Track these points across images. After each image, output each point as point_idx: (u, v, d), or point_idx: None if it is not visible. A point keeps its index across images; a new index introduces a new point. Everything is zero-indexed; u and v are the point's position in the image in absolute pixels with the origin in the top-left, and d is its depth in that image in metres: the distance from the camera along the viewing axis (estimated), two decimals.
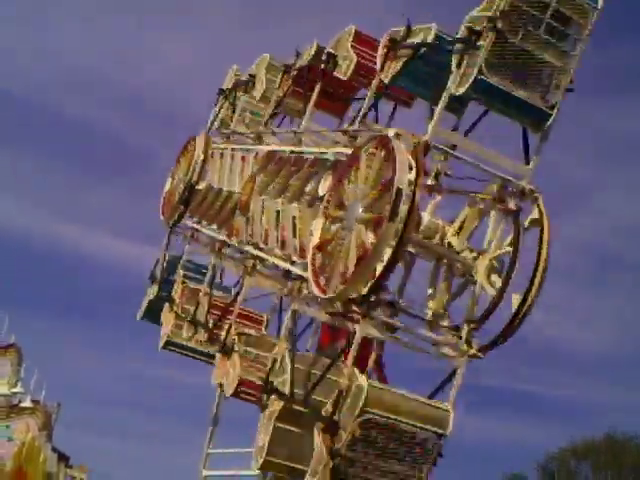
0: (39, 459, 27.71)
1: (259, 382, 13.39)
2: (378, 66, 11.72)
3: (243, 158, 15.94)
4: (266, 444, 11.84)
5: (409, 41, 11.20)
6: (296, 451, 11.40)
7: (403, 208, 9.92)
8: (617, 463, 41.83)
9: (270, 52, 18.44)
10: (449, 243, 11.36)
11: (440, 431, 10.11)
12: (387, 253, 10.15)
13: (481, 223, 11.48)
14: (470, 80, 9.80)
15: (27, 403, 29.23)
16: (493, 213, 11.35)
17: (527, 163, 10.82)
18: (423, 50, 10.83)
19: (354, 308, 10.39)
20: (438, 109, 10.43)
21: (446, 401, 10.43)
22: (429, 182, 10.98)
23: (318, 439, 10.63)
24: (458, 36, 10.16)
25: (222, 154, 17.25)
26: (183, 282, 18.53)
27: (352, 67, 13.04)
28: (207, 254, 17.67)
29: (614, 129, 77.73)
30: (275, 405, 11.90)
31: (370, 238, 10.01)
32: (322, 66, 13.72)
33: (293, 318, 13.50)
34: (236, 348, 15.51)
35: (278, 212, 13.61)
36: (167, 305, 18.47)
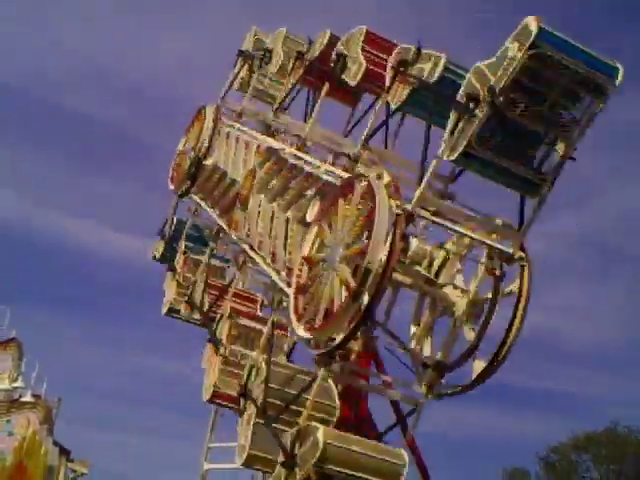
0: (40, 453, 27.72)
1: (234, 393, 14.06)
2: (387, 83, 11.49)
3: (247, 145, 15.89)
4: (248, 440, 12.57)
5: (418, 66, 10.86)
6: (276, 445, 11.65)
7: (370, 286, 9.87)
8: (618, 456, 41.86)
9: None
10: (436, 272, 11.41)
11: None
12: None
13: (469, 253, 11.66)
14: (459, 150, 9.58)
15: (28, 398, 29.21)
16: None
17: (520, 227, 10.55)
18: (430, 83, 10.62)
19: (318, 354, 10.57)
20: (426, 176, 10.13)
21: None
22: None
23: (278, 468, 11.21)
24: (459, 96, 9.67)
25: (228, 134, 17.18)
26: (185, 252, 19.12)
27: (361, 74, 12.78)
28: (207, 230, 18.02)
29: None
30: (252, 409, 12.59)
31: (351, 280, 10.17)
32: (332, 63, 13.55)
33: (272, 328, 14.03)
34: (221, 351, 15.78)
35: (273, 219, 13.79)
36: (169, 274, 19.04)
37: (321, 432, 10.42)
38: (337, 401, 11.88)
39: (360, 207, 10.51)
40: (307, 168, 13.02)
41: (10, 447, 28.49)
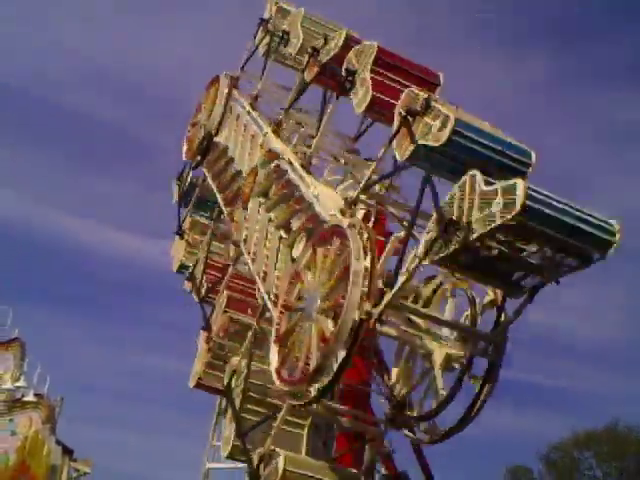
0: (43, 452, 27.78)
1: (217, 386, 15.23)
2: (393, 126, 11.03)
3: (253, 137, 15.86)
4: (232, 434, 13.51)
5: (426, 120, 10.41)
6: (259, 436, 12.60)
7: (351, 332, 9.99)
8: (620, 454, 41.88)
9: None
10: (421, 312, 11.54)
11: None
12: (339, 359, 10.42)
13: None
14: (435, 259, 9.59)
15: (30, 397, 29.29)
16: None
17: (496, 326, 10.64)
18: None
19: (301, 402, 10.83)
20: (397, 285, 10.11)
21: None
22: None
23: None
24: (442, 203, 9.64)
25: (239, 116, 17.13)
26: (191, 216, 19.46)
27: (366, 102, 12.45)
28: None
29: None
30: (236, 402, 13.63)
31: (330, 328, 10.29)
32: (343, 72, 13.28)
33: (254, 335, 14.52)
34: (210, 345, 16.22)
35: (267, 234, 13.96)
36: (177, 237, 19.47)
37: (281, 459, 11.25)
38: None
39: (337, 257, 10.72)
40: (303, 190, 13.05)
41: (13, 446, 28.58)
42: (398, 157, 10.83)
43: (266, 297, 13.19)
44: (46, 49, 78.05)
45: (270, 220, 13.69)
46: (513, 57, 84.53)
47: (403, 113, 10.78)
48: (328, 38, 14.40)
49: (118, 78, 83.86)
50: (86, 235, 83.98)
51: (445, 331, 11.20)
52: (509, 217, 8.70)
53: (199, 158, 18.47)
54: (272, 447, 11.82)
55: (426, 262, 9.69)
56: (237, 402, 13.90)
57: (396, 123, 10.93)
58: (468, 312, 11.11)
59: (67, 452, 28.09)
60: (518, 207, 8.70)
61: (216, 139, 17.84)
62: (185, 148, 19.17)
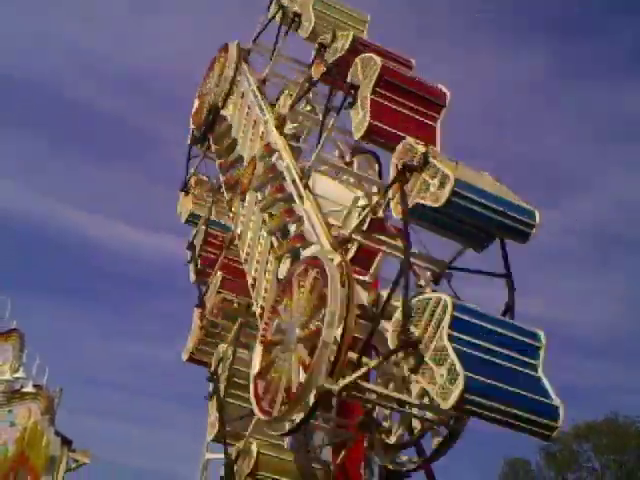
0: (42, 443, 27.78)
1: (207, 360, 15.73)
2: (390, 176, 10.97)
3: (255, 123, 15.77)
4: (217, 419, 14.18)
5: (424, 177, 10.28)
6: (242, 420, 13.13)
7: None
8: (619, 446, 41.90)
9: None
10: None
11: None
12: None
13: None
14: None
15: (29, 388, 29.26)
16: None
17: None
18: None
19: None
20: (359, 372, 10.04)
21: None
22: None
23: None
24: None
25: (244, 95, 16.98)
26: (195, 174, 19.74)
27: (362, 130, 12.11)
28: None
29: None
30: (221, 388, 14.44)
31: (307, 359, 10.35)
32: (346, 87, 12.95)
33: (239, 328, 14.98)
34: (204, 323, 16.65)
35: (259, 238, 14.04)
36: (183, 193, 19.62)
37: (255, 445, 12.19)
38: None
39: (313, 288, 10.75)
40: (295, 201, 13.04)
41: (12, 437, 28.60)
42: (394, 213, 10.70)
43: (254, 305, 13.46)
44: (47, 40, 77.93)
45: (264, 222, 13.74)
46: (513, 54, 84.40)
47: (400, 167, 10.59)
48: (336, 34, 14.13)
49: (118, 69, 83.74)
50: (88, 227, 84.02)
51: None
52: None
53: (203, 129, 18.49)
54: (250, 441, 12.45)
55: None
56: (222, 388, 14.39)
57: (392, 174, 10.78)
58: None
59: (66, 443, 28.07)
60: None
61: (222, 112, 17.75)
62: (193, 120, 19.11)
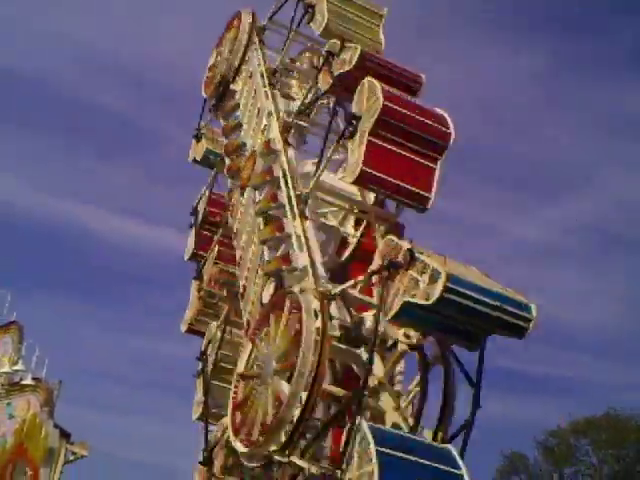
0: (40, 436, 27.79)
1: (204, 330, 16.51)
2: (376, 263, 11.18)
3: (259, 111, 15.75)
4: (201, 400, 14.97)
5: (411, 273, 10.04)
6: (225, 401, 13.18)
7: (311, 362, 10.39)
8: (618, 441, 41.94)
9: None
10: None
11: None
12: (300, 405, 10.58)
13: None
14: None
15: (28, 380, 29.26)
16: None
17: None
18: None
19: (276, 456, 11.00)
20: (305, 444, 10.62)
21: None
22: None
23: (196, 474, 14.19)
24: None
25: (252, 75, 16.90)
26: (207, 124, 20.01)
27: (355, 175, 12.03)
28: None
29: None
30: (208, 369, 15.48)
31: (285, 389, 10.50)
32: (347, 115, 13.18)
33: (226, 316, 15.37)
34: (201, 293, 16.99)
35: (253, 245, 14.17)
36: (195, 140, 19.68)
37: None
38: None
39: (289, 321, 10.85)
40: (287, 217, 13.07)
41: (11, 429, 28.63)
42: (382, 315, 10.43)
43: (244, 313, 13.73)
44: (45, 35, 77.61)
45: (258, 229, 13.88)
46: (513, 53, 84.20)
47: (385, 264, 10.34)
48: (345, 44, 13.90)
49: (117, 63, 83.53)
50: (86, 220, 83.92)
51: None
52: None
53: (214, 101, 18.61)
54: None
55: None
56: (209, 370, 15.23)
57: (376, 267, 10.68)
58: None
59: (64, 435, 28.09)
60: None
61: (232, 87, 17.73)
62: (204, 89, 19.14)
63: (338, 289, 11.27)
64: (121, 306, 76.93)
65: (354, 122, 12.33)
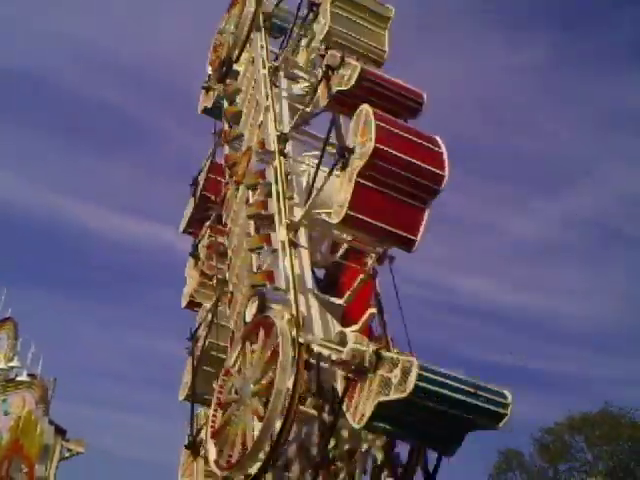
0: (36, 432, 27.80)
1: (206, 302, 16.22)
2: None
3: (257, 104, 15.70)
4: (189, 381, 15.18)
5: (382, 373, 9.95)
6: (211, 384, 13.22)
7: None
8: (613, 437, 42.03)
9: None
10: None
11: None
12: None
13: None
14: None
15: (24, 377, 29.25)
16: None
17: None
18: None
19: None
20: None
21: None
22: None
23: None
24: None
25: (254, 61, 16.74)
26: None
27: (340, 218, 11.72)
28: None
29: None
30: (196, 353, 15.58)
31: (261, 411, 10.61)
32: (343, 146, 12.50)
33: (215, 306, 15.45)
34: (199, 265, 17.10)
35: (243, 251, 14.29)
36: (204, 91, 19.33)
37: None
38: None
39: (265, 345, 11.10)
40: (275, 227, 13.09)
41: (6, 426, 28.60)
42: (355, 426, 10.33)
43: (230, 320, 13.97)
44: (45, 35, 77.48)
45: (248, 235, 13.92)
46: (512, 46, 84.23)
47: (353, 369, 10.22)
48: (345, 59, 13.58)
49: (117, 63, 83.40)
50: (84, 217, 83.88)
51: None
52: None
53: (215, 83, 18.54)
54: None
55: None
56: (197, 354, 15.30)
57: (344, 377, 10.44)
58: None
59: (60, 432, 28.10)
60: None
61: (235, 67, 17.61)
62: (210, 59, 18.86)
63: (316, 347, 11.12)
64: (120, 304, 77.04)
65: (346, 155, 12.01)
